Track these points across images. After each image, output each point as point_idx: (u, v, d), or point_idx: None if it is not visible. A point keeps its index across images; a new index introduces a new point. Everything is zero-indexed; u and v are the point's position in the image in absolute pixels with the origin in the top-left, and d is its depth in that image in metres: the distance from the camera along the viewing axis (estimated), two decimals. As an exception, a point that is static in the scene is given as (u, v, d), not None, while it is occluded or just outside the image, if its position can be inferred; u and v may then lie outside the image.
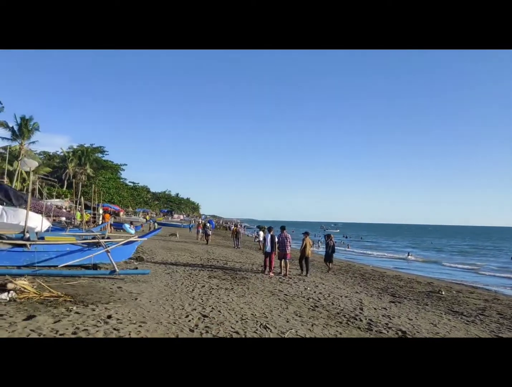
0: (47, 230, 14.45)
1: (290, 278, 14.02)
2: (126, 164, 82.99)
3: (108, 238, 12.68)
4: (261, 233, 16.86)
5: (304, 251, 15.17)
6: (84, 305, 7.18)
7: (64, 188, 59.47)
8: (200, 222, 33.48)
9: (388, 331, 7.53)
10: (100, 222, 33.04)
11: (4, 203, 15.62)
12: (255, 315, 7.85)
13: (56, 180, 55.89)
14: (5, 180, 39.58)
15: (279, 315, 8.01)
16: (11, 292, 7.05)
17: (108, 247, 11.09)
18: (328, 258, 18.35)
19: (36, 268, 9.95)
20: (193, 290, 10.04)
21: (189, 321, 6.91)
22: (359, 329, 7.52)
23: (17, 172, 46.31)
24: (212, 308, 8.11)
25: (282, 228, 15.42)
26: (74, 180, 62.67)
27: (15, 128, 49.53)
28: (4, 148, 54.97)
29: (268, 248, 14.67)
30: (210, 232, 32.82)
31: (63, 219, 21.90)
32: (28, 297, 7.06)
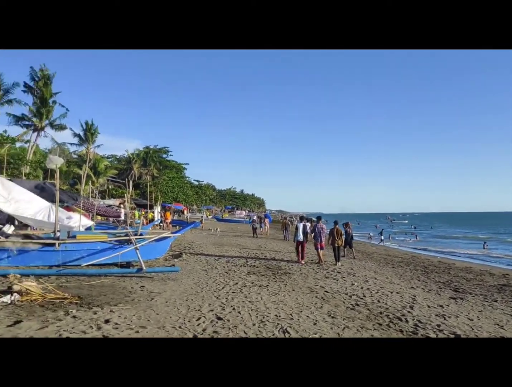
0: (88, 228, 14.43)
1: (324, 267, 14.02)
2: (188, 163, 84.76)
3: (141, 235, 12.28)
4: (308, 224, 15.94)
5: (333, 240, 15.05)
6: (88, 307, 6.65)
7: (131, 189, 61.65)
8: (255, 218, 33.10)
9: (437, 335, 6.23)
10: (160, 221, 33.57)
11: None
12: (279, 316, 6.89)
13: (122, 181, 57.98)
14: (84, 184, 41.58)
15: (308, 316, 6.98)
16: (15, 294, 6.67)
17: (138, 244, 10.62)
18: (348, 244, 18.14)
19: (60, 268, 9.70)
20: (222, 288, 9.27)
21: (198, 324, 6.13)
22: (401, 332, 6.29)
23: (84, 174, 48.65)
24: (233, 308, 7.27)
25: (318, 218, 15.86)
26: (139, 181, 65.14)
27: (81, 133, 51.92)
28: (75, 153, 58.35)
29: (300, 237, 14.96)
30: (267, 225, 33.10)
31: (114, 218, 22.16)
32: (31, 299, 6.65)
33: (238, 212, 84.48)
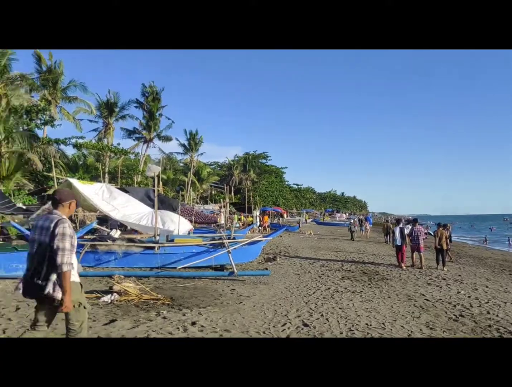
0: (188, 233, 15.11)
1: (423, 270, 13.74)
2: (286, 167, 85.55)
3: (234, 238, 12.50)
4: (409, 227, 15.20)
5: (439, 243, 14.20)
6: (178, 308, 6.87)
7: (232, 194, 63.88)
8: (353, 221, 32.19)
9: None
10: (258, 224, 34.24)
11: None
12: (370, 325, 6.46)
13: (223, 186, 60.43)
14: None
15: (402, 326, 6.46)
16: (115, 294, 7.14)
17: (230, 247, 10.82)
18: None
19: (159, 270, 10.24)
20: (313, 293, 9.02)
21: (283, 330, 5.98)
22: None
23: (189, 181, 51.57)
24: (322, 315, 7.00)
25: (415, 221, 15.42)
26: (239, 186, 67.18)
27: (186, 143, 55.14)
28: (178, 161, 62.07)
29: (398, 241, 14.54)
30: (367, 228, 32.47)
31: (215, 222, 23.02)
32: (129, 299, 7.06)
33: (338, 215, 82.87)
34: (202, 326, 5.88)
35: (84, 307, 3.69)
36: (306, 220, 57.10)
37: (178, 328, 5.74)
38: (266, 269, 12.21)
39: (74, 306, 3.54)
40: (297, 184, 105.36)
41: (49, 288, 3.40)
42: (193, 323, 6.02)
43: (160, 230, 12.64)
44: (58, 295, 3.42)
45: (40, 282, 3.40)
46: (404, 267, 14.04)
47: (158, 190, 20.48)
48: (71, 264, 3.50)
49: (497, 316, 7.48)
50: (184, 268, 10.60)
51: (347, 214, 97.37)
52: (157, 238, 11.36)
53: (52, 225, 3.51)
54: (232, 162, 71.22)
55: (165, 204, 18.27)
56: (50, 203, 3.59)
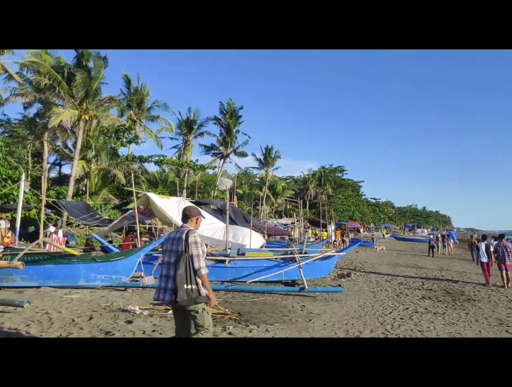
0: (261, 247, 15.05)
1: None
2: (363, 181, 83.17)
3: (305, 253, 12.18)
4: (494, 243, 14.15)
5: None
6: (245, 324, 6.73)
7: (307, 208, 63.36)
8: (432, 236, 30.33)
9: None
10: (333, 239, 33.48)
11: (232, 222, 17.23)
12: (453, 351, 5.84)
13: (298, 201, 60.20)
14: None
15: (491, 355, 5.75)
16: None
17: (302, 262, 10.54)
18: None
19: (229, 283, 10.21)
20: (390, 313, 8.43)
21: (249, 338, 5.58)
22: None
23: (264, 195, 51.99)
24: (398, 337, 6.48)
25: (501, 237, 14.21)
26: (315, 200, 66.47)
27: (261, 158, 55.85)
28: (254, 175, 62.91)
29: (483, 258, 13.73)
30: (451, 245, 30.68)
31: (286, 237, 22.77)
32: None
33: (419, 230, 78.77)
34: (268, 344, 5.68)
35: (208, 312, 4.05)
36: (383, 235, 54.91)
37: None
38: (340, 285, 11.73)
39: (198, 312, 3.92)
40: (375, 199, 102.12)
41: (201, 290, 3.90)
42: (259, 340, 5.84)
43: (231, 243, 12.70)
44: (206, 292, 3.94)
45: (192, 286, 3.85)
46: (491, 285, 13.33)
47: (232, 204, 20.80)
48: (206, 267, 3.99)
49: None
50: (254, 282, 10.49)
51: (429, 229, 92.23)
52: (228, 251, 11.38)
53: (184, 236, 3.98)
54: (307, 177, 70.83)
55: (239, 216, 18.43)
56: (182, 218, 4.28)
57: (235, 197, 37.50)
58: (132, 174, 13.55)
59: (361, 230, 59.64)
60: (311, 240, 25.01)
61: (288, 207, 61.33)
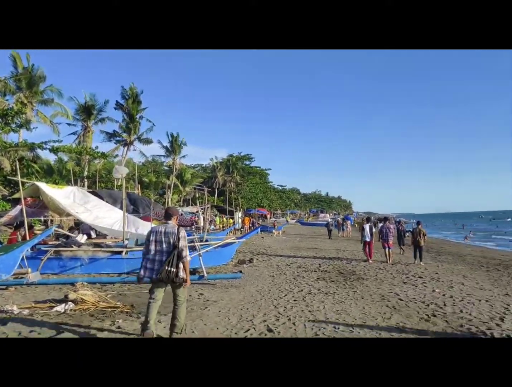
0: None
1: (393, 264, 14.63)
2: (270, 169, 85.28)
3: (206, 241, 12.15)
4: (381, 225, 15.85)
5: (416, 240, 14.97)
6: (137, 316, 6.52)
7: (215, 196, 63.41)
8: (330, 220, 32.23)
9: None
10: (240, 226, 33.91)
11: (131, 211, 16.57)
12: (338, 328, 6.19)
13: (205, 189, 60.19)
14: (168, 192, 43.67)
15: (371, 329, 6.20)
16: (70, 303, 6.74)
17: (201, 250, 10.48)
18: (400, 241, 19.33)
19: (126, 275, 9.84)
20: (285, 295, 8.73)
21: (245, 337, 5.68)
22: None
23: (171, 184, 50.91)
24: (289, 319, 6.72)
25: (385, 219, 16.86)
26: (223, 188, 66.70)
27: (168, 145, 54.52)
28: (162, 164, 61.35)
29: (367, 237, 15.34)
30: (349, 228, 32.86)
31: (192, 225, 22.57)
32: (84, 308, 6.67)
33: (322, 215, 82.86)
34: (158, 336, 5.53)
35: (184, 288, 5.40)
36: (287, 221, 56.96)
37: (129, 338, 5.39)
38: (241, 271, 11.89)
39: (177, 287, 5.31)
40: (281, 186, 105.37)
41: (180, 272, 5.16)
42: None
43: (130, 234, 12.22)
44: (184, 276, 5.20)
45: (172, 269, 5.09)
46: (371, 262, 15.06)
47: (132, 193, 20.01)
48: (188, 255, 5.31)
49: (470, 314, 7.29)
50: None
51: (332, 214, 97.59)
52: (126, 242, 10.94)
53: (176, 231, 5.26)
54: (215, 164, 70.70)
55: (141, 205, 17.78)
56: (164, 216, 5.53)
57: (138, 185, 36.19)
58: (17, 163, 12.29)
59: (268, 217, 61.26)
60: (212, 227, 25.01)
61: (197, 195, 60.86)
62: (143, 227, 13.78)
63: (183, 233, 5.29)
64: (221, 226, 31.78)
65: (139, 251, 10.69)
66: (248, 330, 6.03)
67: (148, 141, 46.87)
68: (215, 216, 37.81)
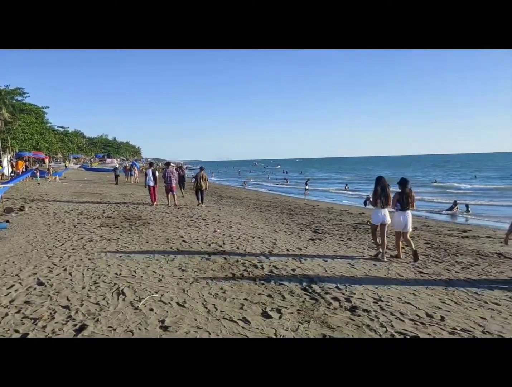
0: None
1: (179, 208, 15.05)
2: (48, 107, 75.73)
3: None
4: (171, 170, 16.02)
5: (198, 184, 15.80)
6: None
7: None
8: (117, 166, 31.25)
9: (290, 282, 5.89)
10: (10, 171, 29.48)
11: None
12: (120, 274, 5.95)
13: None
14: None
15: (154, 272, 6.16)
16: None
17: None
18: (181, 184, 20.71)
19: None
20: (62, 244, 7.95)
21: (7, 294, 4.91)
22: (253, 282, 5.82)
23: None
24: (65, 269, 6.14)
25: (167, 164, 17.78)
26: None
27: None
28: None
29: (150, 182, 16.01)
30: (136, 173, 32.42)
31: None
32: None
33: (109, 160, 79.17)
34: None
35: None
36: (66, 166, 52.62)
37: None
38: (8, 221, 10.34)
39: None
40: (63, 127, 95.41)
41: None
42: None
43: None
44: None
45: None
46: (155, 205, 15.62)
47: None
48: None
49: (244, 250, 7.99)
50: None
51: (119, 159, 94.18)
52: None
53: None
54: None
55: None
56: None
57: None
58: None
59: (47, 161, 55.18)
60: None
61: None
62: None
63: None
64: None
65: None
66: (12, 285, 5.25)
67: None
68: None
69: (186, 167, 72.78)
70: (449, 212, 19.34)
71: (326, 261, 7.34)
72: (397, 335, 4.15)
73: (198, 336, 3.96)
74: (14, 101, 65.98)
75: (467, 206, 19.70)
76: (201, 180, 15.68)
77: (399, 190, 7.77)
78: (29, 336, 3.81)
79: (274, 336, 4.01)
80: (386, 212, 7.84)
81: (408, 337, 4.14)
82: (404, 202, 7.66)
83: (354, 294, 5.42)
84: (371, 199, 8.17)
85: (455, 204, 19.82)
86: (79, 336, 3.86)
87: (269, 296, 5.23)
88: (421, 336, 4.15)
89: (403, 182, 7.75)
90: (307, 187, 32.41)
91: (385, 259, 7.61)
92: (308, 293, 5.39)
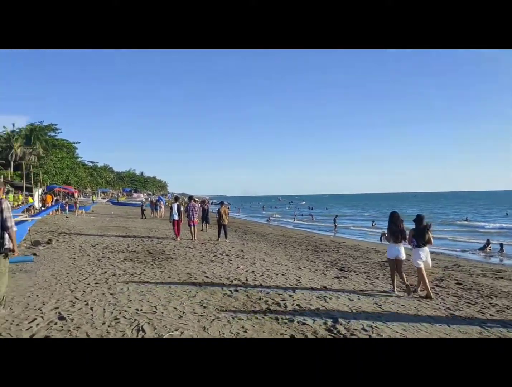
0: None
1: (203, 243, 14.93)
2: (79, 142, 78.27)
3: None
4: (196, 204, 16.41)
5: (220, 219, 15.81)
6: None
7: (11, 170, 55.53)
8: (143, 200, 31.69)
9: (314, 321, 5.67)
10: (40, 205, 30.33)
11: None
12: (140, 310, 5.86)
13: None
14: None
15: (175, 308, 6.05)
16: None
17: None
18: (204, 219, 20.27)
19: None
20: (85, 278, 7.96)
21: (28, 329, 4.88)
22: (276, 321, 5.63)
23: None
24: (87, 303, 6.10)
25: (190, 198, 17.47)
26: (22, 161, 58.77)
27: None
28: None
29: (175, 216, 16.19)
30: (162, 208, 32.89)
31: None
32: None
33: (135, 195, 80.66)
34: None
35: (6, 259, 5.39)
36: (93, 200, 53.72)
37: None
38: (35, 254, 10.49)
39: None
40: (92, 162, 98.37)
41: (6, 243, 5.21)
42: None
43: None
44: (11, 246, 5.29)
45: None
46: (179, 239, 15.56)
47: None
48: (14, 226, 5.35)
49: (268, 287, 7.81)
50: None
51: (146, 194, 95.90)
52: None
53: None
54: (11, 134, 61.50)
55: None
56: None
57: None
58: None
59: (76, 195, 56.58)
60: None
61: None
62: None
63: (6, 204, 5.27)
64: (15, 204, 27.81)
65: None
66: (35, 319, 5.22)
67: None
68: (7, 192, 32.85)
69: (212, 203, 73.53)
70: (481, 252, 18.66)
71: (352, 300, 7.09)
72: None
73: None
74: (47, 137, 68.65)
75: (501, 245, 18.96)
76: (224, 215, 15.72)
77: (414, 226, 7.83)
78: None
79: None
80: (400, 247, 7.87)
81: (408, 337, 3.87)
82: (419, 238, 7.67)
83: (381, 336, 5.17)
84: (386, 235, 8.15)
85: (488, 243, 19.14)
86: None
87: (292, 336, 5.04)
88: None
89: (418, 219, 7.83)
90: (335, 224, 32.18)
91: (396, 292, 7.78)
92: (332, 334, 5.17)
